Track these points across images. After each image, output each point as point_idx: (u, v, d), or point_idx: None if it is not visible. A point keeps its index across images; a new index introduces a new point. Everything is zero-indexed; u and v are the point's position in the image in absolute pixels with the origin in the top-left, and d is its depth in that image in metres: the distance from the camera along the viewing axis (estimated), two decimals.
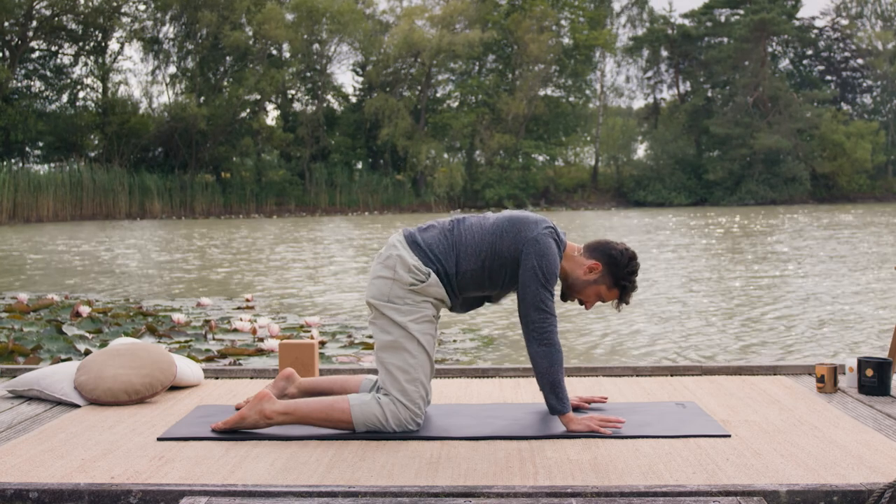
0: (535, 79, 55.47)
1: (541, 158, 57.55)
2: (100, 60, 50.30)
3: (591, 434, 3.28)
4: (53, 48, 49.65)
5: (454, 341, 7.80)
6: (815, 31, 62.31)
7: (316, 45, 53.79)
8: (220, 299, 11.20)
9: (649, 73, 63.72)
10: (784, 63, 62.56)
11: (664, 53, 62.64)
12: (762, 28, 56.78)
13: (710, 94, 60.44)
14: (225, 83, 51.63)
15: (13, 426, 3.55)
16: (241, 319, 8.34)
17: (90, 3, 48.73)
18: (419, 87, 55.93)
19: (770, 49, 59.90)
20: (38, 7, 47.19)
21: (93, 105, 50.26)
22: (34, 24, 47.53)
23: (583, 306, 3.59)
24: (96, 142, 49.42)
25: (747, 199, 54.31)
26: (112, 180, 43.38)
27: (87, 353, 6.85)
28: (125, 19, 50.79)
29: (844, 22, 62.19)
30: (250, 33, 51.27)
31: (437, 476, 2.82)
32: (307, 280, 13.82)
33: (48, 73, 49.74)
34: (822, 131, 55.46)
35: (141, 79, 77.79)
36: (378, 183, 51.87)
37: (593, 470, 2.87)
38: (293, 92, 55.03)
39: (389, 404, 3.34)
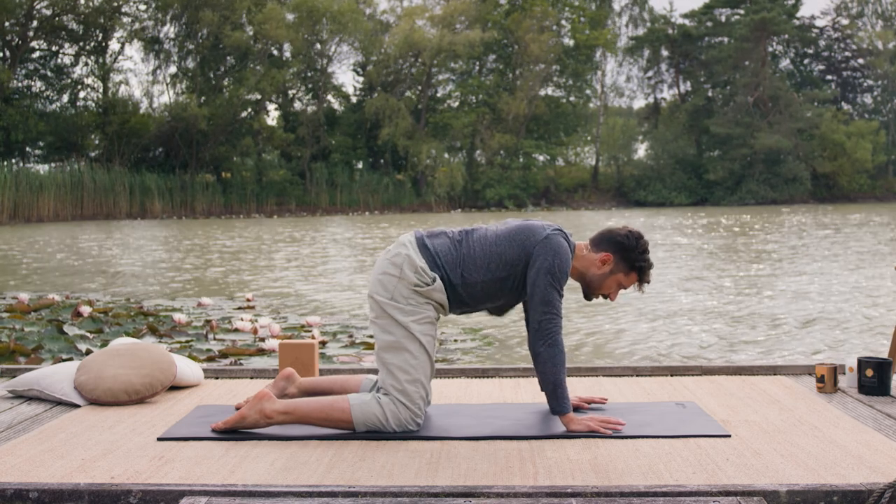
0: (536, 79, 55.47)
1: (541, 158, 57.55)
2: (100, 60, 50.32)
3: (591, 434, 3.28)
4: (54, 48, 49.67)
5: (455, 341, 7.80)
6: (816, 30, 62.31)
7: (316, 45, 53.80)
8: (221, 299, 11.20)
9: (650, 73, 63.76)
10: (784, 63, 62.59)
11: (665, 53, 62.65)
12: (762, 28, 56.77)
13: (710, 93, 60.45)
14: (225, 83, 51.65)
15: (13, 426, 3.55)
16: (241, 319, 8.34)
17: (91, 3, 48.75)
18: (420, 87, 55.95)
19: (770, 49, 59.91)
20: (38, 7, 47.21)
21: (93, 105, 50.27)
22: (35, 23, 47.55)
23: (607, 299, 3.59)
24: (97, 142, 49.44)
25: (748, 198, 54.30)
26: (112, 180, 43.39)
27: (89, 352, 6.86)
28: (126, 19, 50.86)
29: (845, 21, 62.20)
30: (251, 33, 51.27)
31: (437, 476, 2.82)
32: (308, 280, 13.82)
33: (49, 73, 49.75)
34: (823, 131, 55.46)
35: (141, 79, 77.94)
36: (378, 183, 51.87)
37: (593, 470, 2.87)
38: (294, 92, 55.07)
39: (390, 404, 3.34)
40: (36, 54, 49.37)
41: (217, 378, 4.61)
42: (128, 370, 3.95)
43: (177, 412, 3.77)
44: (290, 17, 51.92)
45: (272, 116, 55.20)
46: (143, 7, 50.95)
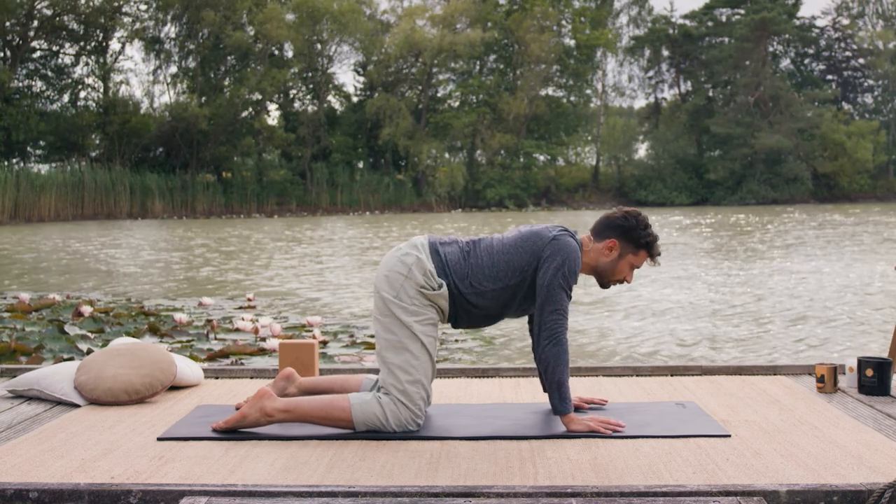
0: (537, 78, 55.46)
1: (542, 158, 57.54)
2: (101, 60, 50.31)
3: (591, 434, 3.29)
4: (54, 48, 49.66)
5: (456, 341, 7.80)
6: (816, 30, 62.27)
7: (317, 45, 53.80)
8: (222, 299, 11.21)
9: (650, 73, 63.74)
10: (785, 63, 62.53)
11: (665, 53, 62.62)
12: (763, 28, 56.74)
13: (711, 93, 60.42)
14: (226, 83, 51.64)
15: (13, 426, 3.55)
16: (242, 319, 8.35)
17: (91, 3, 48.73)
18: (420, 87, 55.94)
19: (771, 49, 59.87)
20: (39, 7, 47.20)
21: (94, 105, 50.25)
22: (35, 23, 47.54)
23: (622, 283, 3.61)
24: (97, 141, 49.41)
25: (748, 198, 54.28)
26: (113, 180, 43.38)
27: (90, 352, 6.86)
28: (126, 19, 50.83)
29: (845, 21, 62.16)
30: (251, 33, 51.27)
31: (437, 476, 2.82)
32: (308, 280, 13.82)
33: (49, 73, 49.74)
34: (823, 131, 55.42)
35: (142, 79, 77.88)
36: (379, 183, 51.86)
37: (593, 470, 2.87)
38: (294, 92, 55.06)
39: (390, 404, 3.34)
40: (37, 54, 49.36)
41: (217, 378, 4.61)
42: (128, 370, 3.95)
43: (177, 412, 3.77)
44: (290, 17, 51.90)
45: (273, 116, 55.25)
46: (143, 7, 50.98)
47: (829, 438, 3.23)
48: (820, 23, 64.89)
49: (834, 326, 8.76)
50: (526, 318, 3.79)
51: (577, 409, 3.71)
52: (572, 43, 57.86)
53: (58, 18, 48.05)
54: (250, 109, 51.86)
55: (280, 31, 50.22)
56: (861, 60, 61.41)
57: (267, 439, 3.27)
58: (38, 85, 49.55)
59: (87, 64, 50.60)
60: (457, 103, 57.21)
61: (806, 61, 63.32)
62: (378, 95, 53.70)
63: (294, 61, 53.34)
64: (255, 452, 3.11)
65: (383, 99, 53.00)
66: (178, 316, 8.62)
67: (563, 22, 58.37)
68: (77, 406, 3.87)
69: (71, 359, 6.68)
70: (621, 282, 3.59)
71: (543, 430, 3.35)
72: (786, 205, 52.11)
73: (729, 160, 55.55)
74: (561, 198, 56.08)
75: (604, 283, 3.62)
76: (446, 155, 55.27)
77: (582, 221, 32.89)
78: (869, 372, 3.94)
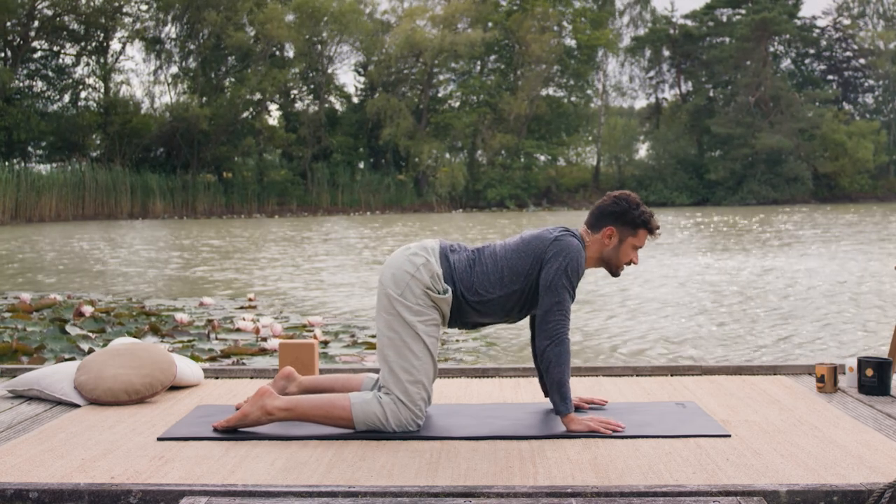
0: (537, 79, 55.45)
1: (542, 158, 57.54)
2: (102, 60, 50.31)
3: (591, 434, 3.29)
4: (55, 48, 49.67)
5: (457, 341, 7.80)
6: (817, 30, 62.26)
7: (318, 46, 53.79)
8: (223, 299, 11.21)
9: (651, 73, 63.74)
10: (786, 63, 62.53)
11: (666, 53, 62.62)
12: (763, 28, 56.73)
13: (711, 93, 60.41)
14: (227, 83, 51.64)
15: (13, 426, 3.55)
16: (243, 319, 8.35)
17: (92, 3, 48.74)
18: (421, 87, 55.94)
19: (771, 49, 59.86)
20: (39, 7, 47.22)
21: (95, 105, 50.26)
22: (36, 24, 47.56)
23: (630, 266, 3.63)
24: (98, 142, 49.41)
25: (749, 199, 54.28)
26: (114, 180, 43.40)
27: (91, 352, 6.86)
28: (127, 19, 50.84)
29: (846, 21, 62.15)
30: (252, 34, 51.26)
31: (437, 476, 2.83)
32: (309, 280, 13.82)
33: (50, 73, 49.75)
34: (824, 131, 55.41)
35: (143, 79, 77.92)
36: (380, 183, 51.87)
37: (593, 470, 2.87)
38: (295, 92, 55.07)
39: (391, 404, 3.34)
40: (37, 54, 49.38)
41: (217, 378, 4.61)
42: (128, 370, 3.95)
43: (177, 412, 3.77)
44: (290, 17, 51.90)
45: (273, 116, 55.27)
46: (144, 7, 50.99)
47: (829, 438, 3.23)
48: (821, 23, 64.92)
49: (824, 324, 8.79)
50: (526, 319, 3.79)
51: (577, 409, 3.72)
52: (573, 43, 57.86)
53: (58, 19, 48.06)
54: (251, 110, 51.88)
55: (281, 32, 50.23)
56: (862, 60, 61.40)
57: (267, 439, 3.27)
58: (39, 85, 49.59)
59: (87, 64, 50.65)
60: (457, 103, 57.23)
61: (807, 61, 63.31)
62: (379, 95, 53.70)
63: (295, 61, 53.35)
64: (255, 452, 3.11)
65: (384, 99, 53.00)
66: (179, 316, 8.62)
67: (564, 22, 58.37)
68: (77, 406, 3.87)
69: (72, 359, 6.68)
70: (628, 264, 3.61)
71: (543, 430, 3.35)
72: (786, 205, 52.10)
73: (730, 160, 55.55)
74: (562, 198, 56.07)
75: (613, 271, 3.64)
76: (447, 155, 55.28)
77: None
78: (869, 372, 3.94)
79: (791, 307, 10.02)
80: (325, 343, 7.56)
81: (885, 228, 25.83)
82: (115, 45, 51.17)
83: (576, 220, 35.90)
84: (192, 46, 51.51)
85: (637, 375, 4.55)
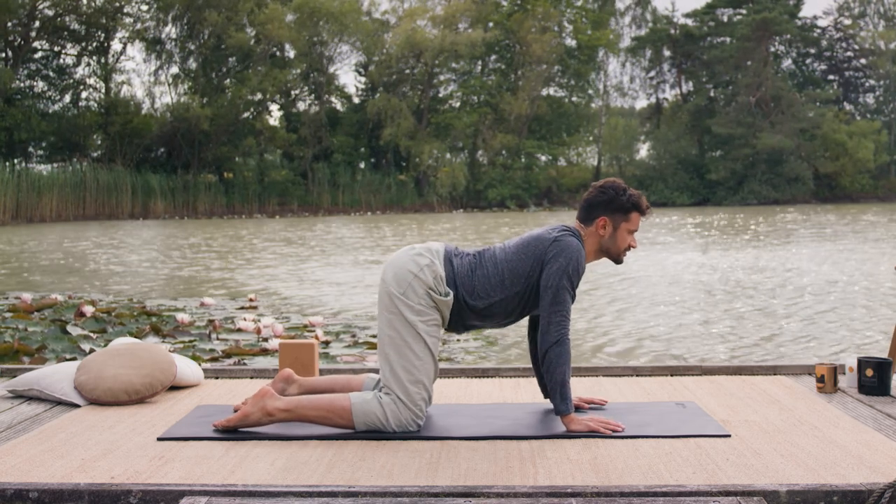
0: (538, 79, 55.44)
1: (543, 158, 57.53)
2: (102, 61, 50.31)
3: (591, 434, 3.29)
4: (56, 48, 49.65)
5: (457, 341, 7.80)
6: (818, 30, 62.22)
7: (318, 47, 53.78)
8: (224, 299, 11.21)
9: (652, 73, 63.72)
10: (786, 63, 62.49)
11: (667, 53, 62.59)
12: (764, 28, 56.70)
13: (712, 93, 60.37)
14: (227, 83, 51.63)
15: (13, 426, 3.55)
16: (244, 319, 8.35)
17: (93, 4, 48.73)
18: (421, 87, 55.93)
19: (772, 49, 59.82)
20: (40, 7, 47.21)
21: (95, 105, 50.25)
22: (37, 24, 47.55)
23: (630, 250, 3.64)
24: (99, 142, 49.41)
25: (750, 199, 54.25)
26: (115, 180, 43.40)
27: (92, 352, 6.86)
28: (128, 19, 50.83)
29: (847, 21, 62.11)
30: (252, 34, 51.26)
31: (437, 476, 2.83)
32: (309, 280, 13.82)
33: (51, 74, 49.73)
34: (825, 131, 55.37)
35: (144, 79, 77.90)
36: (380, 183, 51.87)
37: (593, 470, 2.87)
38: (296, 92, 55.04)
39: (391, 404, 3.34)
40: (38, 55, 49.36)
41: (217, 378, 4.62)
42: (128, 370, 3.95)
43: (177, 412, 3.77)
44: (291, 17, 51.88)
45: (274, 117, 55.25)
46: (144, 7, 50.99)
47: (829, 438, 3.23)
48: (821, 23, 64.86)
49: (813, 323, 8.79)
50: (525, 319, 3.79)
51: (577, 409, 3.72)
52: (574, 43, 57.85)
53: (59, 19, 48.06)
54: (252, 110, 51.88)
55: (281, 32, 50.23)
56: (863, 60, 61.36)
57: (267, 439, 3.28)
58: (40, 85, 49.57)
59: (88, 64, 50.63)
60: (458, 103, 57.21)
61: (807, 61, 63.28)
62: (379, 96, 53.70)
63: (295, 62, 53.34)
64: (255, 452, 3.12)
65: (384, 99, 52.99)
66: (180, 316, 8.62)
67: (565, 22, 58.37)
68: (77, 406, 3.87)
69: (73, 359, 6.68)
70: (628, 249, 3.62)
71: (543, 430, 3.35)
72: (787, 205, 52.09)
73: (730, 160, 55.52)
74: (562, 198, 56.05)
75: (616, 259, 3.65)
76: (448, 155, 55.25)
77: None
78: (869, 372, 3.94)
79: (775, 305, 10.03)
80: (327, 343, 7.56)
81: (885, 228, 25.82)
82: (115, 46, 51.21)
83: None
84: (193, 47, 51.51)
85: (637, 375, 4.55)
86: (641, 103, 76.31)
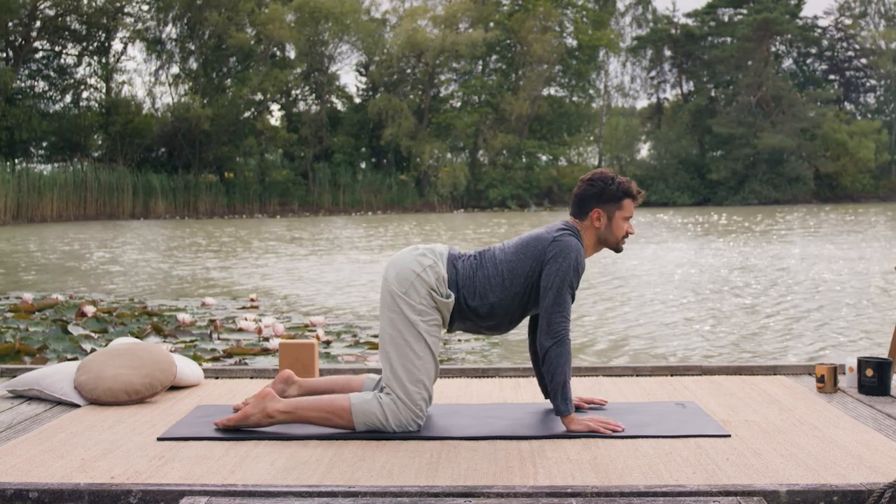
0: (539, 79, 55.43)
1: (544, 158, 57.54)
2: (103, 61, 50.32)
3: (591, 434, 3.29)
4: (57, 48, 49.65)
5: (459, 341, 7.80)
6: (819, 30, 62.21)
7: (319, 47, 53.77)
8: (225, 299, 11.21)
9: (652, 73, 63.71)
10: (787, 63, 62.50)
11: (667, 53, 62.60)
12: (765, 28, 56.70)
13: (713, 93, 60.38)
14: (228, 83, 51.64)
15: (13, 426, 3.55)
16: (245, 319, 8.35)
17: (93, 4, 48.73)
18: (422, 87, 55.92)
19: (773, 49, 59.82)
20: (41, 7, 47.21)
21: (96, 105, 50.25)
22: (38, 24, 47.55)
23: (629, 237, 3.65)
24: (100, 142, 49.41)
25: (751, 198, 54.25)
26: (116, 180, 43.41)
27: (93, 352, 6.86)
28: (128, 19, 50.83)
29: (848, 21, 62.11)
30: (253, 34, 51.26)
31: (437, 476, 2.83)
32: (310, 280, 13.82)
33: (52, 74, 49.72)
34: (826, 131, 55.38)
35: (144, 79, 77.90)
36: (381, 183, 51.87)
37: (593, 470, 2.87)
38: (297, 92, 55.05)
39: (391, 404, 3.34)
40: (39, 54, 49.36)
41: (217, 378, 4.62)
42: (128, 370, 3.95)
43: (177, 412, 3.77)
44: (291, 17, 51.87)
45: (275, 117, 55.26)
46: (145, 8, 50.98)
47: (829, 438, 3.23)
48: (822, 23, 64.96)
49: (807, 322, 8.81)
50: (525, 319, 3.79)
51: (577, 409, 3.72)
52: (574, 43, 57.84)
53: (60, 19, 48.06)
54: (252, 110, 51.88)
55: (282, 32, 50.23)
56: (863, 60, 61.37)
57: (267, 439, 3.28)
58: (41, 85, 49.56)
59: (89, 64, 50.64)
60: (459, 103, 57.21)
61: (808, 61, 63.27)
62: (380, 96, 53.70)
63: (296, 62, 53.34)
64: (255, 452, 3.12)
65: (385, 99, 52.99)
66: (182, 316, 8.62)
67: (566, 22, 58.36)
68: (77, 406, 3.87)
69: (74, 359, 6.69)
70: (626, 237, 3.62)
71: (543, 430, 3.35)
72: (788, 205, 52.08)
73: (731, 160, 55.53)
74: (563, 198, 56.02)
75: (615, 248, 3.65)
76: (448, 155, 55.25)
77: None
78: (869, 372, 3.94)
79: (765, 303, 10.03)
80: (328, 343, 7.56)
81: (887, 228, 25.83)
82: (116, 46, 51.22)
83: None
84: (194, 47, 51.50)
85: (637, 375, 4.54)
86: (642, 103, 76.41)
